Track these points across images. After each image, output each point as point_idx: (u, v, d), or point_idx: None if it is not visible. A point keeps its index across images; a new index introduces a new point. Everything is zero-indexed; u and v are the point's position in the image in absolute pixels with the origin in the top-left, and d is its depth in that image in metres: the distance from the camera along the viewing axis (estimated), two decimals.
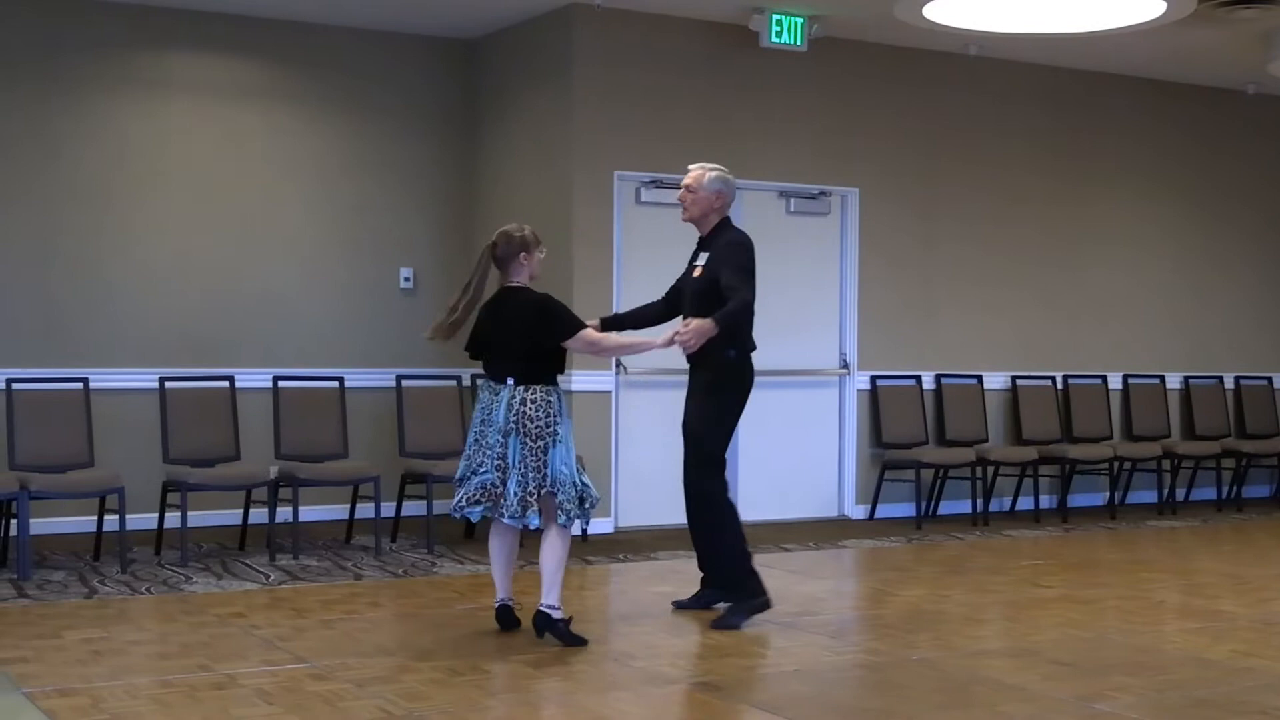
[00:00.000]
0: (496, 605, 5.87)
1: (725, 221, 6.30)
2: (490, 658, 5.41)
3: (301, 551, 7.83)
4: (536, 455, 5.56)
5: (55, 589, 6.79)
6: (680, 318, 6.20)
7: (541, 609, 5.61)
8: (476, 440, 5.68)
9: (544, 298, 5.76)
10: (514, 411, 5.57)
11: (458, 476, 5.74)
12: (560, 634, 5.58)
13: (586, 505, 5.72)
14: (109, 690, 4.86)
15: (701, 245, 6.32)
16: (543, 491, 5.55)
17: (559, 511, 5.59)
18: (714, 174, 6.31)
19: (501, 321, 5.73)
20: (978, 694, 4.99)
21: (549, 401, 5.60)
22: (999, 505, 10.15)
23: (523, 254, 5.74)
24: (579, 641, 5.58)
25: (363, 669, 5.21)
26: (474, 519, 5.71)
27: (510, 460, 5.57)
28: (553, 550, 5.64)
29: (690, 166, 6.37)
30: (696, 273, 6.23)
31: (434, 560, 7.75)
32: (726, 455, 6.25)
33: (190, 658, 5.36)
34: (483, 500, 5.63)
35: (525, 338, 5.66)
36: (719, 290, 6.03)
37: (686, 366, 6.24)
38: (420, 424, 8.58)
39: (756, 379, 6.25)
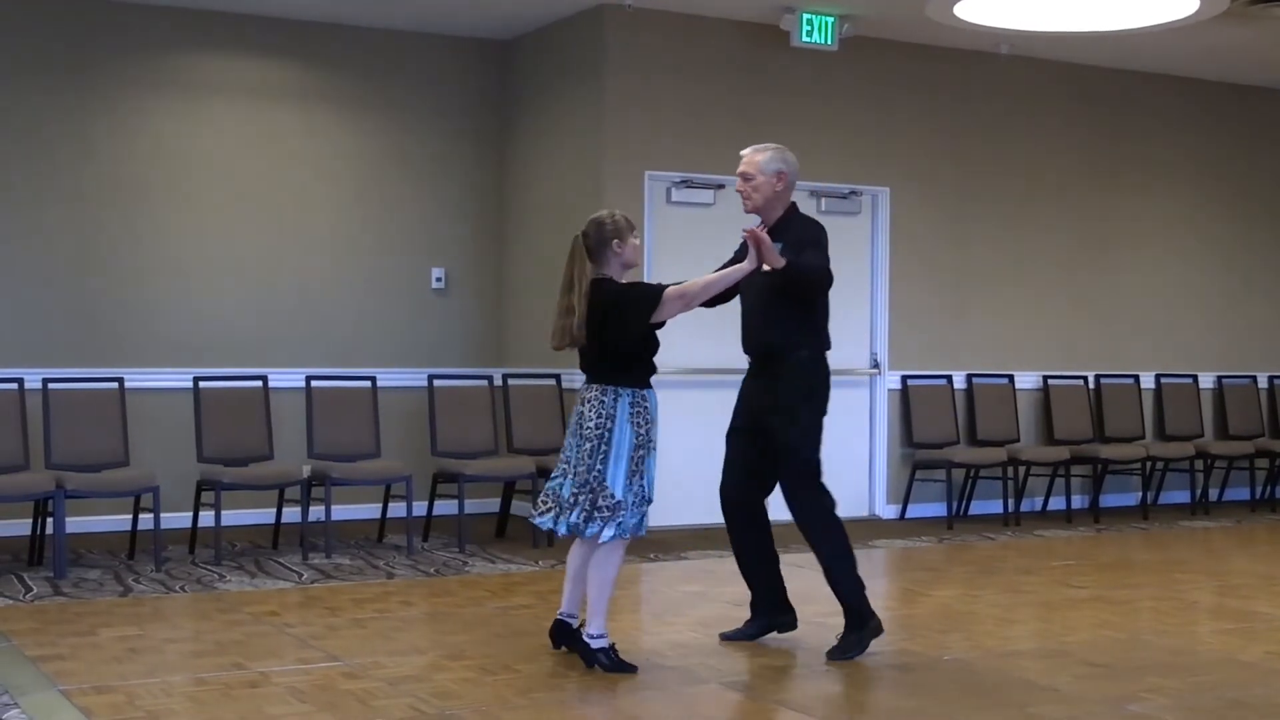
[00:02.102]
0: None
1: (794, 208, 5.72)
2: (522, 657, 5.43)
3: (334, 550, 7.87)
4: (584, 459, 5.19)
5: (91, 587, 6.85)
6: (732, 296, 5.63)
7: (582, 636, 5.28)
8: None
9: (621, 290, 5.27)
10: (577, 411, 5.27)
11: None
12: (603, 664, 5.20)
13: (617, 519, 5.18)
14: (144, 688, 4.90)
15: (773, 236, 5.57)
16: (595, 499, 5.16)
17: (591, 519, 5.17)
18: (769, 153, 5.70)
19: (582, 317, 5.25)
20: (1010, 695, 4.98)
21: (604, 402, 5.19)
22: (1030, 505, 10.11)
23: (615, 242, 5.26)
24: (628, 668, 5.20)
25: (395, 668, 5.23)
26: (542, 528, 5.40)
27: (570, 463, 5.26)
28: (596, 568, 5.25)
29: (743, 151, 5.78)
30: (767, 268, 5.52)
31: (466, 559, 7.78)
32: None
33: (224, 656, 5.40)
34: (550, 507, 5.29)
35: (594, 336, 5.22)
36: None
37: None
38: (452, 423, 8.60)
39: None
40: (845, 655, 5.45)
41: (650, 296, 5.22)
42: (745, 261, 5.33)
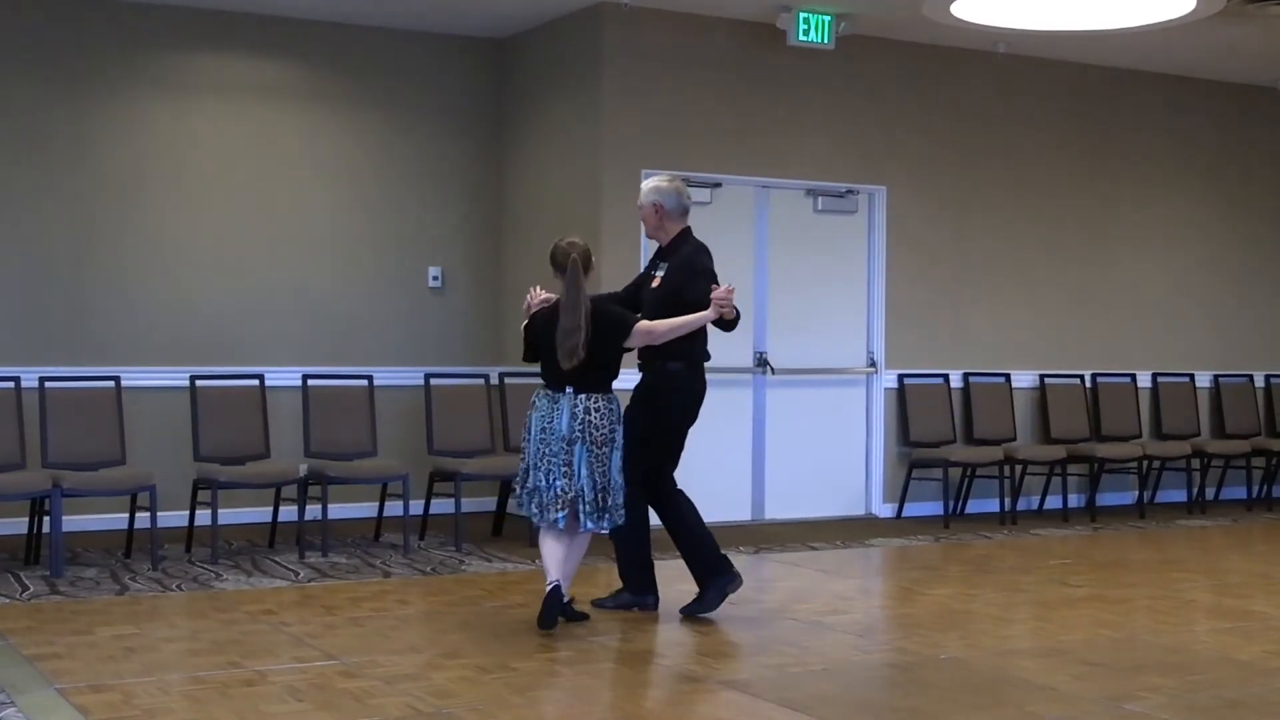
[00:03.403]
0: (549, 587, 5.82)
1: (685, 233, 6.24)
2: (519, 655, 5.43)
3: (331, 549, 7.87)
4: (602, 461, 5.78)
5: (87, 586, 6.84)
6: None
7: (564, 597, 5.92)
8: (539, 447, 5.83)
9: (611, 314, 5.91)
10: (579, 420, 5.76)
11: (519, 479, 5.93)
12: (570, 613, 5.93)
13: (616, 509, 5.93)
14: (141, 686, 4.89)
15: (659, 255, 6.28)
16: (606, 496, 5.80)
17: (605, 514, 5.81)
18: (650, 185, 6.25)
19: (588, 336, 5.79)
20: (1006, 694, 4.98)
21: (610, 409, 5.82)
22: (1027, 504, 10.12)
23: (590, 267, 5.95)
24: (582, 617, 5.99)
25: (392, 666, 5.23)
26: (560, 525, 5.83)
27: (576, 467, 5.76)
28: (579, 551, 5.98)
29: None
30: (655, 283, 6.16)
31: (462, 558, 7.78)
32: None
33: (221, 654, 5.40)
34: (563, 507, 5.78)
35: (590, 352, 5.78)
36: (678, 302, 5.96)
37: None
38: (449, 422, 8.60)
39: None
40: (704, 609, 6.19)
41: (626, 325, 5.86)
42: (709, 310, 5.87)
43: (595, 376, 5.82)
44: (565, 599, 5.91)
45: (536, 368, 6.04)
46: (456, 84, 9.76)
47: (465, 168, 9.78)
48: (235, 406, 8.22)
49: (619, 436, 5.84)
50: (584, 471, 5.75)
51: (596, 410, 5.78)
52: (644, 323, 5.86)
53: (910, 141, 9.85)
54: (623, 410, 5.93)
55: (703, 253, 6.19)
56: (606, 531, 5.94)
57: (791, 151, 9.44)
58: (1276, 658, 5.56)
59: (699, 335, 6.06)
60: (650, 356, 6.09)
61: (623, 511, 5.86)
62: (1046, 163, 10.40)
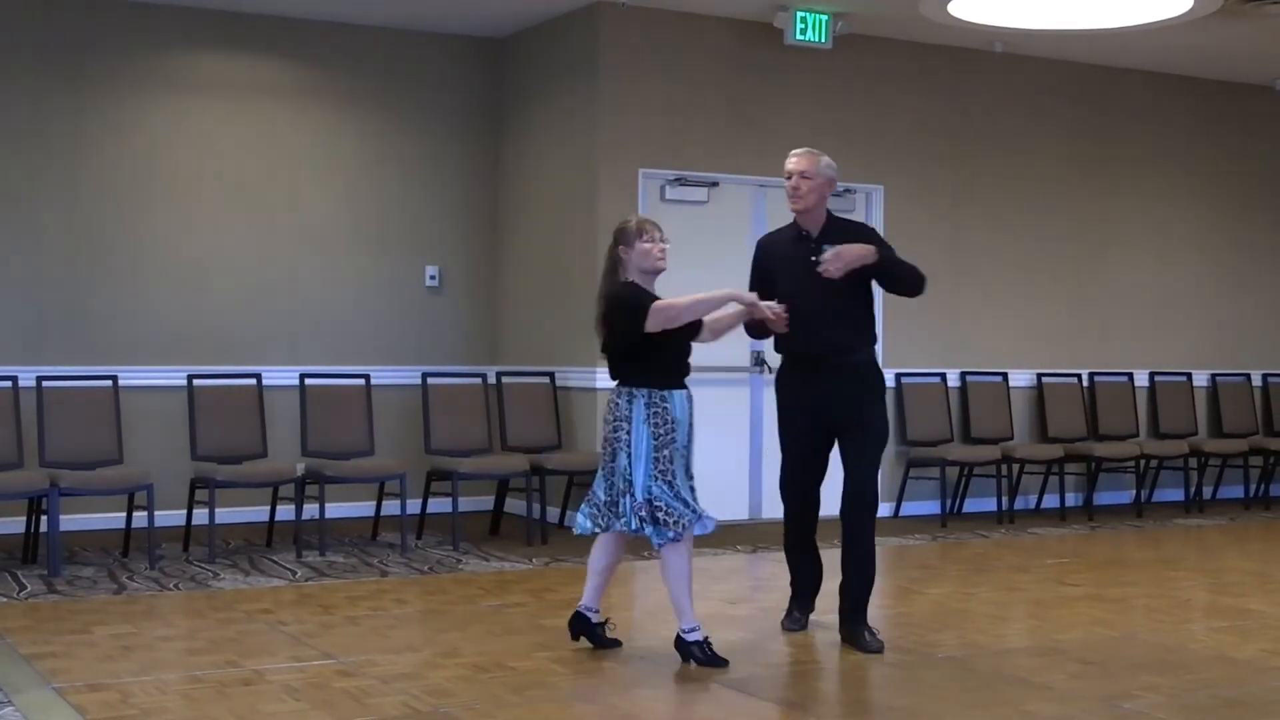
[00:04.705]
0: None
1: (829, 212, 5.80)
2: (516, 654, 5.43)
3: (328, 548, 7.87)
4: (607, 460, 5.29)
5: (85, 585, 6.84)
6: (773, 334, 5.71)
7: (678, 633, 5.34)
8: None
9: (614, 294, 5.32)
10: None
11: None
12: (697, 657, 5.26)
13: (662, 521, 5.19)
14: (138, 685, 4.89)
15: (821, 238, 5.66)
16: (624, 499, 5.22)
17: (618, 517, 5.26)
18: (819, 156, 5.75)
19: (598, 317, 5.39)
20: (1003, 693, 4.99)
21: (619, 404, 5.25)
22: (1024, 503, 10.12)
23: (621, 247, 5.31)
24: (720, 662, 5.25)
25: (389, 665, 5.23)
26: (577, 531, 5.44)
27: (602, 465, 5.35)
28: (663, 571, 5.33)
29: (794, 151, 5.78)
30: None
31: (459, 557, 7.78)
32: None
33: (218, 653, 5.39)
34: (592, 510, 5.36)
35: (606, 336, 5.34)
36: (864, 284, 5.66)
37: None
38: (446, 421, 8.60)
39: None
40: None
41: (634, 306, 5.23)
42: (740, 303, 5.50)
43: (611, 364, 5.37)
44: (595, 620, 5.50)
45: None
46: (454, 83, 9.76)
47: (462, 167, 9.78)
48: (233, 406, 8.22)
49: (631, 439, 5.19)
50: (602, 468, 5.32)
51: (610, 403, 5.32)
52: (659, 301, 5.22)
53: (907, 141, 9.85)
54: (650, 411, 5.21)
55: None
56: (659, 544, 5.22)
57: (788, 151, 9.39)
58: (1273, 657, 5.56)
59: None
60: (863, 340, 5.73)
61: (665, 530, 5.18)
62: (1043, 162, 10.40)
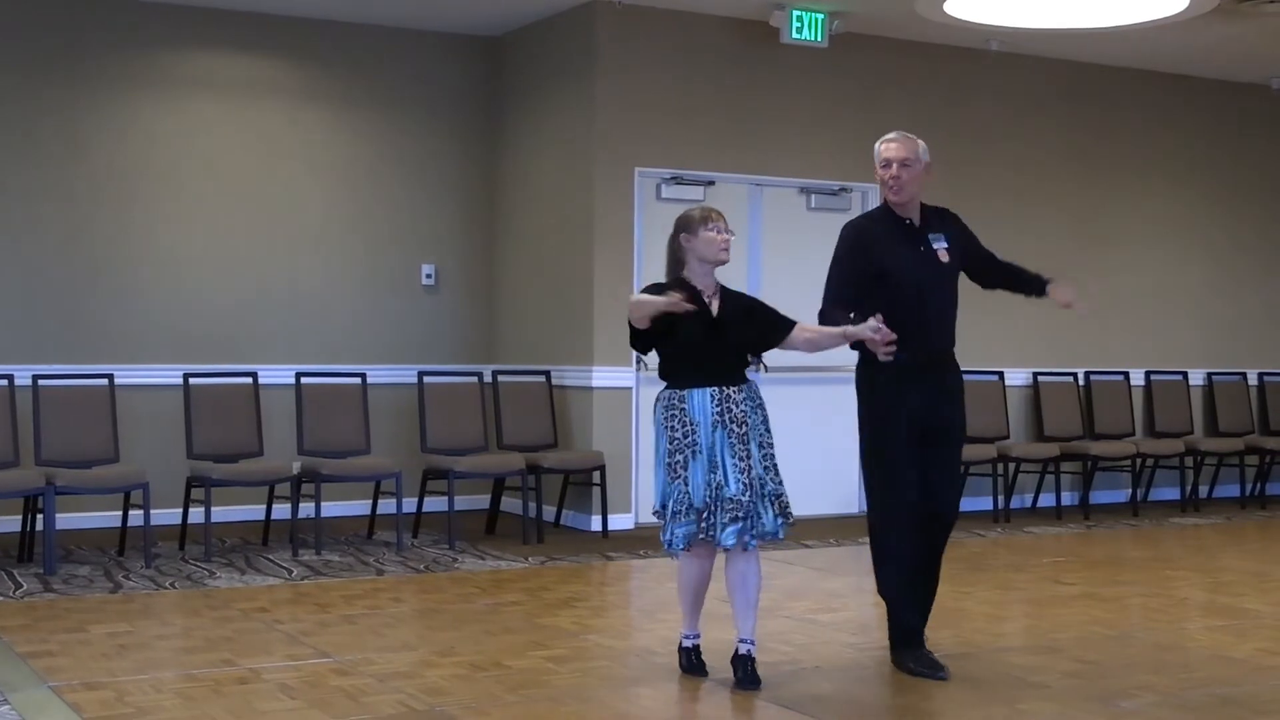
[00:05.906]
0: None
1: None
2: (512, 653, 5.43)
3: (324, 547, 7.87)
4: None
5: (80, 583, 6.83)
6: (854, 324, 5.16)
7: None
8: None
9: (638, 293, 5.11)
10: None
11: None
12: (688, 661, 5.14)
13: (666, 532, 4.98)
14: (134, 684, 4.89)
15: (925, 228, 5.32)
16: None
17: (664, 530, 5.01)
18: (915, 140, 5.28)
19: None
20: (1000, 691, 4.99)
21: (655, 406, 5.06)
22: (1020, 502, 10.13)
23: (683, 235, 5.04)
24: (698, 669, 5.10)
25: (385, 664, 5.23)
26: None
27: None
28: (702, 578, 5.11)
29: (887, 137, 5.29)
30: (944, 257, 5.30)
31: (455, 556, 7.78)
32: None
33: (214, 652, 5.39)
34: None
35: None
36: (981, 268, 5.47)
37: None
38: (442, 420, 8.60)
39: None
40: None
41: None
42: (845, 338, 5.20)
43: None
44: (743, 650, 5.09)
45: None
46: (450, 82, 9.75)
47: (458, 165, 9.77)
48: (229, 404, 8.22)
49: (660, 443, 4.98)
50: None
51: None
52: (800, 324, 5.19)
53: None
54: (668, 412, 4.98)
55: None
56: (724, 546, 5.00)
57: (784, 149, 9.44)
58: (1269, 655, 5.56)
59: None
60: (949, 351, 5.44)
61: (666, 540, 4.98)
62: (1040, 160, 10.40)
